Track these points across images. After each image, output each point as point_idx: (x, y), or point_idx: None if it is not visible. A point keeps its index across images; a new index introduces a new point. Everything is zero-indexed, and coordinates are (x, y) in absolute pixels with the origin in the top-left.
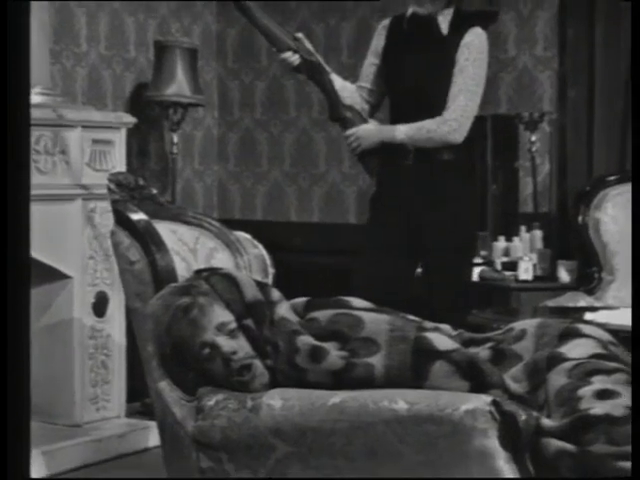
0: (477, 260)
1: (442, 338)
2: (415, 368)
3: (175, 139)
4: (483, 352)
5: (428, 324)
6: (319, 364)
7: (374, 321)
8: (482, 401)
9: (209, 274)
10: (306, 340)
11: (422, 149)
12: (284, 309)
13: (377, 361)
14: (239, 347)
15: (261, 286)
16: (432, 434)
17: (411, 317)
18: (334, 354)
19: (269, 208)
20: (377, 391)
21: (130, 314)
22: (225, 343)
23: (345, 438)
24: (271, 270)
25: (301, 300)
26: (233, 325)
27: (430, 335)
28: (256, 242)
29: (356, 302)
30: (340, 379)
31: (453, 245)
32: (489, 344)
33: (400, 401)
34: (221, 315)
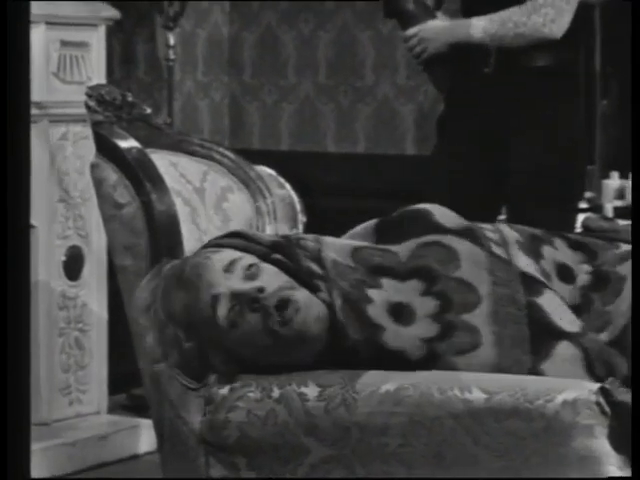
0: (581, 204)
1: (560, 311)
2: (533, 342)
3: (172, 40)
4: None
5: (535, 275)
6: (405, 327)
7: (472, 259)
8: (586, 389)
9: (207, 244)
10: (382, 295)
11: (507, 51)
12: (334, 251)
13: (481, 321)
14: (267, 282)
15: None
16: (518, 433)
17: (504, 257)
18: (425, 320)
19: (298, 134)
20: (444, 376)
21: (116, 275)
22: (244, 285)
23: (402, 437)
24: (302, 218)
25: (364, 228)
26: (250, 260)
27: (545, 304)
28: (282, 180)
29: (440, 215)
30: (434, 349)
31: (548, 184)
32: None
33: (475, 389)
34: (228, 255)
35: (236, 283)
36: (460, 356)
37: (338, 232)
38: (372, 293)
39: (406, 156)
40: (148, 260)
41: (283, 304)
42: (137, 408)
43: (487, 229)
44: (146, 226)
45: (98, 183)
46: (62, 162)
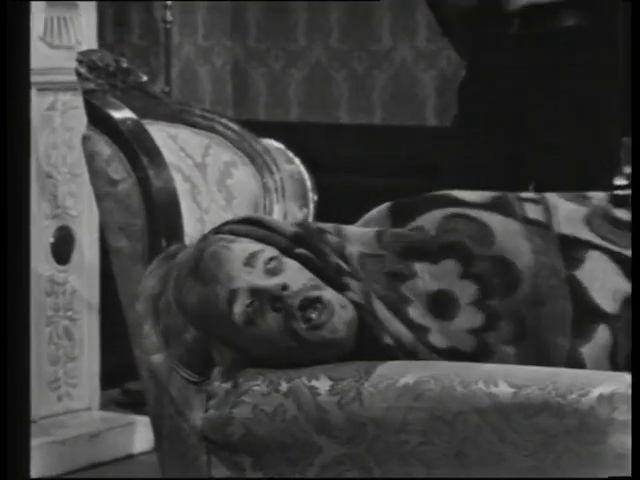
0: (617, 181)
1: (603, 280)
2: (575, 322)
3: (169, 1)
4: None
5: (576, 236)
6: (451, 321)
7: (505, 230)
8: (623, 382)
9: (220, 227)
10: (419, 286)
11: (534, 9)
12: (358, 243)
13: (523, 304)
14: (290, 278)
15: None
16: (549, 430)
17: (541, 220)
18: (468, 309)
19: (308, 104)
20: (467, 368)
21: (109, 258)
22: (265, 281)
23: (421, 434)
24: (313, 195)
25: (379, 212)
26: (271, 253)
27: (584, 278)
28: (291, 154)
29: (461, 194)
30: (484, 339)
31: (581, 157)
32: None
33: (501, 382)
34: (248, 247)
35: (256, 278)
36: (511, 345)
37: (352, 211)
38: (408, 289)
39: (426, 127)
40: (145, 242)
41: (308, 304)
42: (132, 404)
43: (524, 198)
44: (143, 204)
45: (90, 157)
46: (50, 134)
